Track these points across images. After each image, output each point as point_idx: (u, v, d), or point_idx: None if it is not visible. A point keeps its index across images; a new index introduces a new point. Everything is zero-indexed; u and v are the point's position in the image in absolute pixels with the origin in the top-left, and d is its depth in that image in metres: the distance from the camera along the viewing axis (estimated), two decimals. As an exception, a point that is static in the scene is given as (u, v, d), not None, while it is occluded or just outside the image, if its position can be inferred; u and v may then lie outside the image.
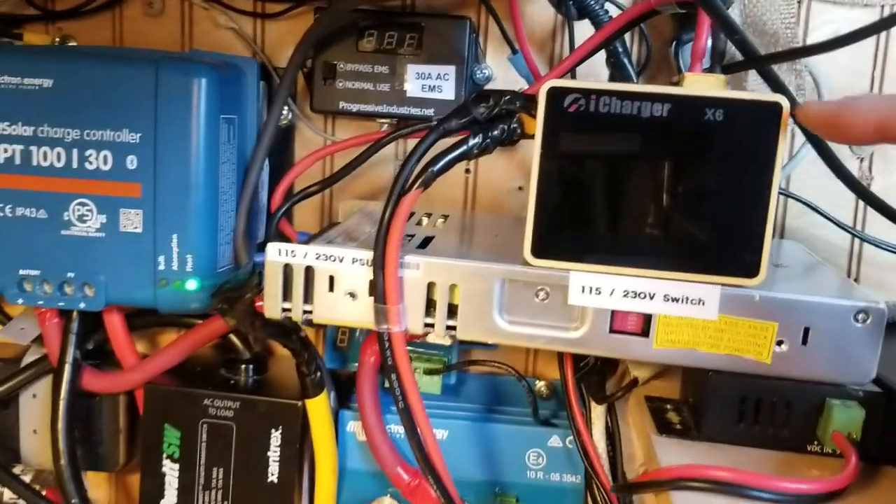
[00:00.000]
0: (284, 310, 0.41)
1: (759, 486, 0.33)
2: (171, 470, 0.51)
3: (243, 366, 0.54)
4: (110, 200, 0.49)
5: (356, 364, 0.52)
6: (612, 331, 0.39)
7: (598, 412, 0.52)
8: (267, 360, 0.57)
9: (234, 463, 0.51)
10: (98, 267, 0.50)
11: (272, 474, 0.51)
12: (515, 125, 0.39)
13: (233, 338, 0.55)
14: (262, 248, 0.52)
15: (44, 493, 0.56)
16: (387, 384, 0.50)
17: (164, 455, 0.51)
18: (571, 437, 0.52)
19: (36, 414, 0.56)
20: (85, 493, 0.53)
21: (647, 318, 0.39)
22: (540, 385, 0.57)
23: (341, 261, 0.40)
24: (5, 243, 0.50)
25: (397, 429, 0.52)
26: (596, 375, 0.50)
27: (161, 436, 0.51)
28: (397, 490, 0.52)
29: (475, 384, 0.57)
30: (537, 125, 0.38)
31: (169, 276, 0.49)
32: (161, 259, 0.49)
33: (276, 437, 0.50)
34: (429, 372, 0.53)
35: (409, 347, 0.50)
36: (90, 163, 0.49)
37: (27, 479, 0.57)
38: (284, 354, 0.58)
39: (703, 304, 0.38)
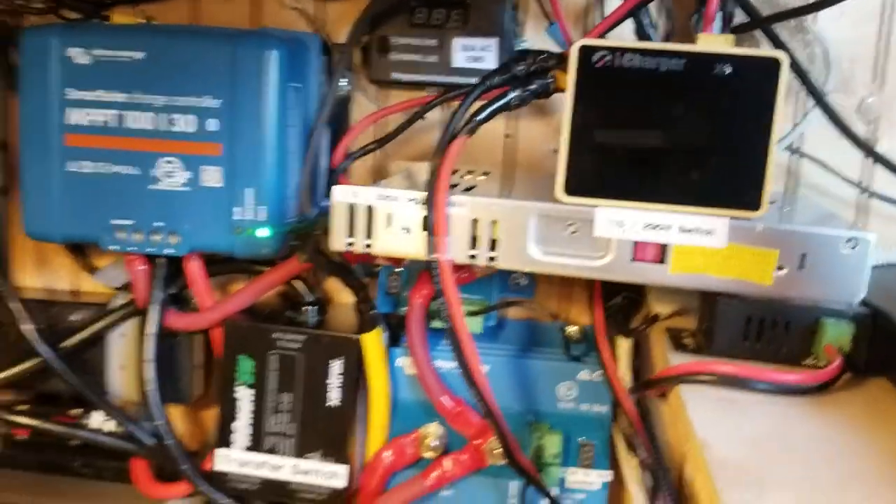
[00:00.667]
0: (348, 244, 0.48)
1: (757, 378, 0.39)
2: (245, 395, 0.58)
3: (306, 307, 0.61)
4: (193, 158, 0.56)
5: (405, 308, 0.59)
6: (633, 259, 0.45)
7: (623, 349, 0.57)
8: (326, 304, 0.63)
9: (299, 389, 0.57)
10: (182, 217, 0.57)
11: (332, 399, 0.57)
12: (550, 80, 0.45)
13: (296, 283, 0.61)
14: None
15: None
16: (432, 324, 0.56)
17: (239, 382, 0.58)
18: (600, 371, 0.58)
19: (122, 352, 0.63)
20: (167, 418, 0.60)
21: (663, 248, 0.44)
22: (571, 330, 0.62)
23: (398, 200, 0.46)
24: (101, 196, 0.57)
25: (441, 364, 0.59)
26: (622, 313, 0.55)
27: (236, 366, 0.58)
28: (442, 417, 0.58)
29: (513, 328, 0.63)
30: (569, 79, 0.44)
31: (244, 224, 0.56)
32: (237, 210, 0.56)
33: (336, 366, 0.57)
34: (471, 313, 0.59)
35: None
36: (176, 125, 0.56)
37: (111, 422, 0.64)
38: (339, 302, 0.64)
39: (713, 234, 0.43)
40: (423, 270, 0.58)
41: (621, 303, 0.55)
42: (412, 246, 0.47)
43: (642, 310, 0.56)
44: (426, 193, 0.45)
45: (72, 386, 0.62)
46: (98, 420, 0.63)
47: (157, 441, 0.61)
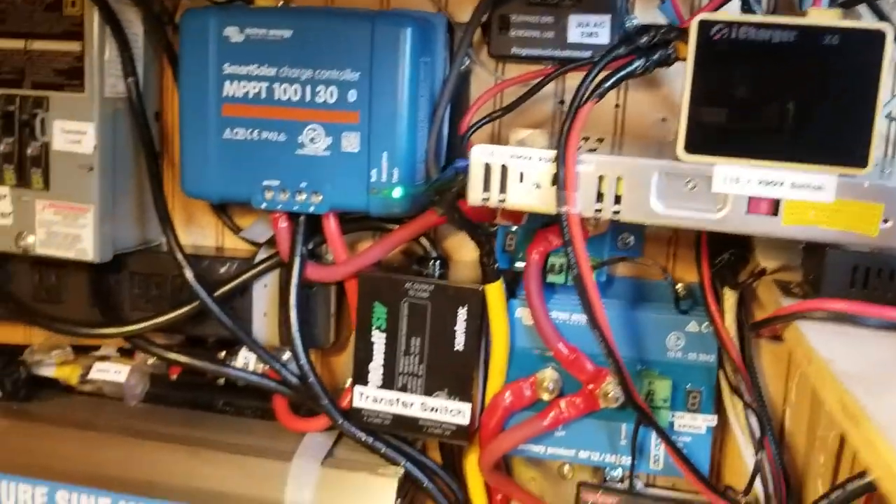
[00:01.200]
0: (484, 198, 0.53)
1: (870, 314, 0.43)
2: (378, 339, 0.64)
3: (432, 262, 0.67)
4: (335, 126, 0.62)
5: (521, 264, 0.64)
6: (748, 213, 0.49)
7: (730, 302, 0.62)
8: (448, 261, 0.69)
9: (428, 334, 0.63)
10: (324, 179, 0.63)
11: (458, 343, 0.63)
12: (671, 51, 0.50)
13: (423, 240, 0.67)
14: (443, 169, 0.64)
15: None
16: (548, 278, 0.61)
17: (374, 327, 0.64)
18: (707, 323, 0.62)
19: (266, 300, 0.70)
20: (309, 358, 0.66)
21: (776, 202, 0.49)
22: (678, 287, 0.67)
23: (530, 159, 0.52)
24: (253, 160, 0.64)
25: (556, 315, 0.64)
26: (729, 269, 0.60)
27: (371, 312, 0.64)
28: (557, 363, 0.64)
29: (621, 285, 0.68)
30: (689, 49, 0.48)
31: (379, 185, 0.62)
32: (373, 172, 0.62)
33: (462, 314, 0.63)
34: (585, 268, 0.64)
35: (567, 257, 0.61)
36: (319, 96, 0.62)
37: (252, 360, 0.71)
38: (458, 261, 0.70)
39: (823, 189, 0.47)
40: (540, 229, 0.63)
41: (728, 259, 0.59)
42: (542, 201, 0.52)
43: (748, 266, 0.60)
44: (557, 152, 0.50)
45: (223, 329, 0.70)
46: (242, 362, 0.71)
47: (299, 380, 0.68)
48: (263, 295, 0.70)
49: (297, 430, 0.70)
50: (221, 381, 0.74)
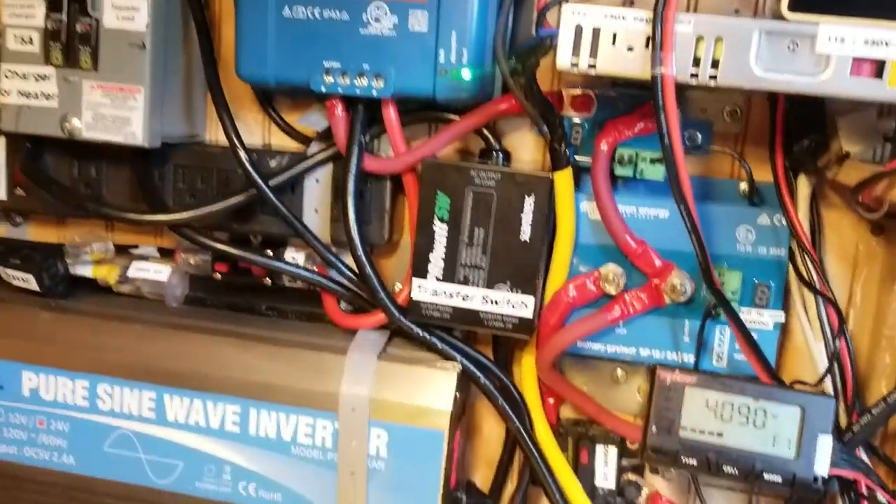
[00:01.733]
0: (573, 63, 0.51)
1: None
2: (440, 229, 0.62)
3: (495, 154, 0.64)
4: (401, 4, 0.60)
5: (587, 157, 0.62)
6: (851, 75, 0.47)
7: (803, 194, 0.60)
8: (510, 154, 0.67)
9: (493, 224, 0.61)
10: (388, 61, 0.61)
11: (524, 234, 0.61)
12: None
13: (485, 132, 0.65)
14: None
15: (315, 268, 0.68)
16: (616, 171, 0.60)
17: (436, 217, 0.62)
18: (779, 216, 0.61)
19: (317, 196, 0.68)
20: (364, 248, 0.64)
21: (881, 64, 0.47)
22: (746, 184, 0.65)
23: (624, 19, 0.50)
24: (313, 41, 0.61)
25: (623, 208, 0.62)
26: (809, 154, 0.58)
27: (434, 201, 0.62)
28: (622, 259, 0.62)
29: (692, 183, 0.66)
30: None
31: (447, 66, 0.60)
32: (441, 52, 0.60)
33: (529, 203, 0.61)
34: (654, 161, 0.62)
35: (636, 149, 0.60)
36: (386, -29, 0.60)
37: (300, 258, 0.69)
38: (518, 160, 0.68)
39: (933, 48, 0.46)
40: (609, 120, 0.62)
41: (808, 145, 0.58)
42: (634, 65, 0.50)
43: (827, 154, 0.59)
44: (654, 10, 0.48)
45: (271, 226, 0.67)
46: (289, 260, 0.68)
47: (355, 274, 0.65)
48: (315, 190, 0.68)
49: (349, 327, 0.67)
50: (267, 281, 0.71)
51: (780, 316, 0.62)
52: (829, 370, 0.58)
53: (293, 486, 0.64)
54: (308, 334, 0.68)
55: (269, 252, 0.69)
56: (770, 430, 0.53)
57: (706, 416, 0.54)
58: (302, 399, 0.63)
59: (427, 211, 0.62)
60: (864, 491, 0.57)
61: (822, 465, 0.52)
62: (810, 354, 0.61)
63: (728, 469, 0.53)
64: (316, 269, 0.69)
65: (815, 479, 0.52)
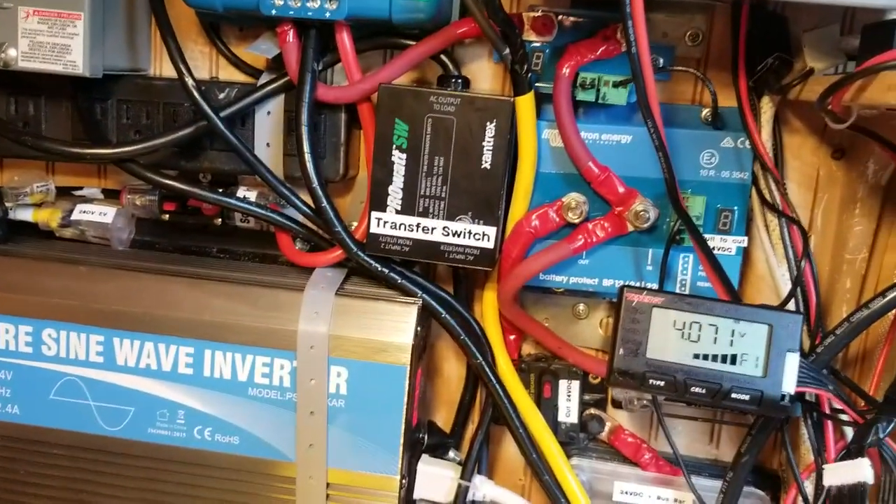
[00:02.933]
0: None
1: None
2: (398, 159, 0.59)
3: (454, 81, 0.62)
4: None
5: (548, 84, 0.60)
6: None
7: (767, 116, 0.59)
8: (469, 82, 0.64)
9: (453, 152, 0.59)
10: (342, -19, 0.57)
11: (485, 161, 0.59)
12: None
13: (443, 58, 0.62)
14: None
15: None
16: (578, 95, 0.57)
17: (394, 146, 0.59)
18: (742, 139, 0.59)
19: (269, 129, 0.64)
20: (322, 182, 0.61)
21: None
22: (707, 110, 0.63)
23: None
24: (261, -38, 0.57)
25: (585, 135, 0.60)
26: (773, 73, 0.56)
27: (392, 129, 0.59)
28: (584, 187, 0.60)
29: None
30: None
31: (407, -13, 0.57)
32: (397, -28, 0.57)
33: (490, 129, 0.58)
34: (616, 84, 0.60)
35: (598, 73, 0.58)
36: None
37: (252, 196, 0.66)
38: (475, 89, 0.65)
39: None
40: (570, 44, 0.59)
41: (772, 64, 0.56)
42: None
43: (793, 71, 0.57)
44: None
45: (221, 162, 0.64)
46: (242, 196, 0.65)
47: (311, 209, 0.62)
48: (266, 123, 0.64)
49: (305, 265, 0.64)
50: (218, 221, 0.68)
51: (743, 241, 0.61)
52: (793, 293, 0.57)
53: (250, 429, 0.61)
54: (263, 273, 0.65)
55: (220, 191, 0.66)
56: (738, 349, 0.52)
57: (673, 336, 0.52)
58: (258, 338, 0.60)
59: (385, 139, 0.59)
60: (828, 410, 0.56)
61: (790, 382, 0.51)
62: (773, 278, 0.60)
63: (696, 389, 0.51)
64: (269, 207, 0.65)
65: (783, 396, 0.51)
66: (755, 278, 0.65)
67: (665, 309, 0.52)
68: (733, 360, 0.52)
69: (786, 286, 0.59)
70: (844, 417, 0.57)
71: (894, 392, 0.51)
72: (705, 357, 0.52)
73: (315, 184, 0.60)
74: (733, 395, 0.51)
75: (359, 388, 0.60)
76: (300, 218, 0.64)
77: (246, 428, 0.61)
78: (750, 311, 0.52)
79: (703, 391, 0.51)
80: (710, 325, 0.52)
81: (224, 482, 0.62)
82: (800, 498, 0.61)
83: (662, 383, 0.52)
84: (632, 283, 0.58)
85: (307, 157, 0.60)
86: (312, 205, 0.62)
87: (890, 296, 0.55)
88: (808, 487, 0.61)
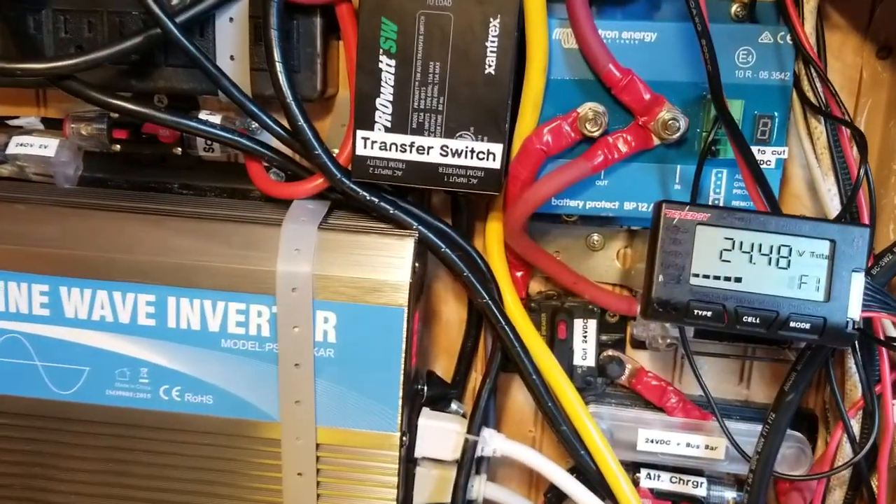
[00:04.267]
0: None
1: None
2: (387, 66, 0.50)
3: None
4: None
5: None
6: None
7: (810, 7, 0.50)
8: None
9: (451, 55, 0.49)
10: None
11: (489, 65, 0.49)
12: None
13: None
14: None
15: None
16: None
17: (381, 51, 0.50)
18: (783, 33, 0.51)
19: (233, 39, 0.54)
20: (297, 95, 0.51)
21: None
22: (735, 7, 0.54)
23: None
24: None
25: (603, 33, 0.51)
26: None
27: (378, 30, 0.49)
28: (604, 93, 0.51)
29: (676, 5, 0.54)
30: None
31: None
32: None
33: (494, 26, 0.49)
34: (636, -26, 0.51)
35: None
36: None
37: (215, 121, 0.56)
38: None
39: None
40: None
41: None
42: None
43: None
44: None
45: (179, 80, 0.54)
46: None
47: (285, 131, 0.53)
48: (229, 32, 0.54)
49: (281, 197, 0.55)
50: (178, 151, 0.58)
51: (783, 152, 0.52)
52: (847, 209, 0.49)
53: (226, 386, 0.52)
54: (233, 209, 0.55)
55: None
56: (796, 271, 0.43)
57: (722, 258, 0.44)
58: (230, 282, 0.51)
59: (370, 43, 0.50)
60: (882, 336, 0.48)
61: (855, 307, 0.43)
62: (818, 194, 0.52)
63: (749, 319, 0.43)
64: (237, 131, 0.56)
65: (848, 323, 0.43)
66: (789, 197, 0.57)
67: (711, 226, 0.44)
68: (791, 283, 0.44)
69: (833, 202, 0.51)
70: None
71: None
72: (759, 280, 0.43)
73: (289, 98, 0.51)
74: (792, 324, 0.43)
75: (350, 334, 0.51)
76: (274, 143, 0.55)
77: (220, 385, 0.52)
78: (810, 226, 0.43)
79: (757, 321, 0.43)
80: (764, 243, 0.43)
81: (198, 448, 0.54)
82: (846, 440, 0.54)
83: (710, 313, 0.43)
84: (671, 200, 0.49)
85: (279, 66, 0.50)
86: (287, 125, 0.52)
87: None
88: (855, 427, 0.54)
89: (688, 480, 0.59)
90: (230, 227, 0.52)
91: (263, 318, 0.51)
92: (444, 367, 0.63)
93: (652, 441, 0.57)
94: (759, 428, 0.54)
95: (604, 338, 0.59)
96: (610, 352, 0.59)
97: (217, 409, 0.53)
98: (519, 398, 0.62)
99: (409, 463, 0.55)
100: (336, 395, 0.52)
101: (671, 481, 0.59)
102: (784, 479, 0.55)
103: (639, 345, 0.60)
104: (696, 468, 0.59)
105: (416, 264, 0.52)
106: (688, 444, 0.57)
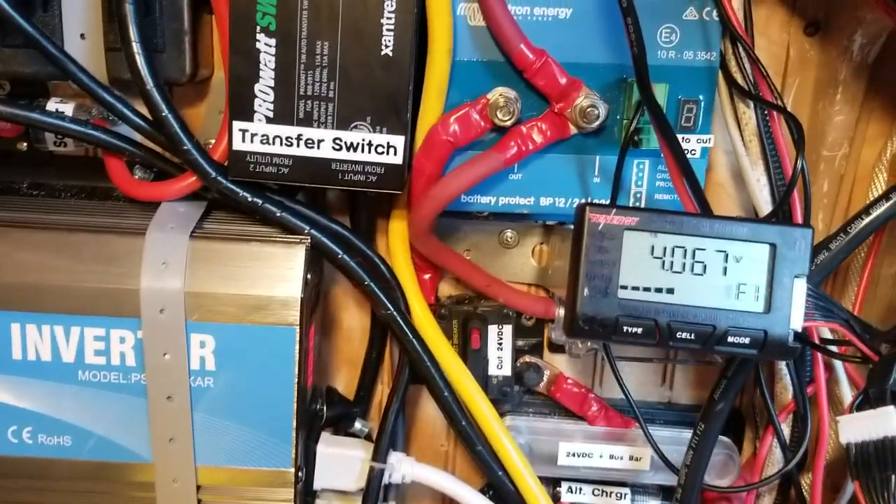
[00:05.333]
0: None
1: None
2: (266, 47, 0.42)
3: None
4: None
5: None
6: None
7: (738, -22, 0.45)
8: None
9: (341, 34, 0.42)
10: None
11: (385, 45, 0.42)
12: None
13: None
14: None
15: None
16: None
17: (258, 28, 0.42)
18: (709, 9, 0.45)
19: (82, 15, 0.45)
20: (163, 84, 0.43)
21: None
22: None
23: None
24: None
25: (513, 8, 0.45)
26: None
27: (254, 4, 0.42)
28: (509, 80, 0.45)
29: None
30: None
31: None
32: None
33: (390, 0, 0.42)
34: (548, -59, 0.45)
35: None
36: None
37: (68, 109, 0.47)
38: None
39: None
40: None
41: None
42: None
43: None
44: None
45: (20, 63, 0.45)
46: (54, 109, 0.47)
47: (148, 123, 0.45)
48: (78, 6, 0.45)
49: (147, 199, 0.47)
50: (23, 146, 0.49)
51: (709, 140, 0.48)
52: (781, 206, 0.44)
53: (87, 425, 0.44)
54: (89, 214, 0.47)
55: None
56: (733, 279, 0.39)
57: (652, 266, 0.38)
58: (85, 303, 0.43)
59: (244, 19, 0.42)
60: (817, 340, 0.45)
61: (798, 316, 0.39)
62: (748, 185, 0.47)
63: (683, 335, 0.38)
64: (92, 123, 0.47)
65: (790, 335, 0.39)
66: (713, 186, 0.52)
67: (640, 231, 0.38)
68: (728, 292, 0.39)
69: (763, 193, 0.47)
70: (833, 349, 0.46)
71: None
72: (693, 291, 0.38)
73: (150, 85, 0.42)
74: (730, 339, 0.38)
75: (231, 360, 0.44)
76: (137, 137, 0.46)
77: (79, 424, 0.44)
78: (747, 228, 0.39)
79: (693, 336, 0.38)
80: (698, 248, 0.38)
81: (57, 496, 0.46)
82: (777, 445, 0.50)
83: (641, 330, 0.38)
84: (594, 201, 0.43)
85: (135, 46, 0.42)
86: (150, 116, 0.44)
87: (895, 198, 0.43)
88: (786, 431, 0.50)
89: (611, 492, 0.55)
90: (83, 237, 0.44)
91: (127, 344, 0.43)
92: (346, 380, 0.56)
93: (573, 455, 0.53)
94: (684, 433, 0.50)
95: (520, 343, 0.54)
96: (527, 358, 0.54)
97: (77, 451, 0.45)
98: (430, 410, 0.56)
99: (307, 497, 0.49)
100: (218, 429, 0.44)
101: (594, 494, 0.55)
102: (715, 492, 0.51)
103: (557, 349, 0.55)
104: (621, 480, 0.54)
105: (309, 275, 0.45)
106: (611, 456, 0.53)
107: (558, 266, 0.53)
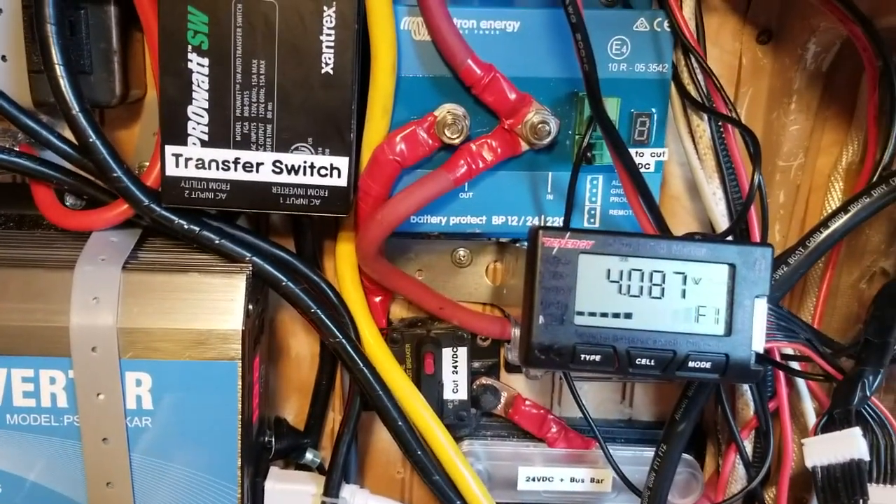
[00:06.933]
0: None
1: None
2: (198, 67, 0.40)
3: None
4: None
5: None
6: None
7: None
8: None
9: (278, 52, 0.40)
10: None
11: (326, 63, 0.40)
12: None
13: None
14: None
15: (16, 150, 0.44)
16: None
17: (190, 47, 0.40)
18: (660, 19, 0.44)
19: (3, 35, 0.42)
20: (89, 110, 0.40)
21: None
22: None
23: None
24: None
25: (459, 22, 0.43)
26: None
27: (184, 22, 0.39)
28: (457, 97, 0.43)
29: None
30: None
31: None
32: None
33: (329, 16, 0.40)
34: (494, -48, 0.43)
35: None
36: None
37: (-9, 134, 0.44)
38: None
39: None
40: None
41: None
42: None
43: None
44: None
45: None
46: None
47: (73, 148, 0.42)
48: (-3, 26, 0.43)
49: (76, 229, 0.44)
50: (-60, 175, 0.46)
51: (662, 154, 0.46)
52: (738, 224, 0.43)
53: (16, 471, 0.41)
54: (14, 246, 0.44)
55: (-63, 130, 0.44)
56: (692, 301, 0.37)
57: (608, 292, 0.37)
58: (11, 342, 0.40)
59: (175, 38, 0.39)
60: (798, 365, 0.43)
61: (759, 338, 0.37)
62: (703, 199, 0.46)
63: (643, 361, 0.37)
64: (18, 150, 0.44)
65: (752, 357, 0.37)
66: (668, 199, 0.51)
67: (596, 255, 0.37)
68: (687, 316, 0.37)
69: (719, 207, 0.46)
70: (795, 365, 0.45)
71: (876, 334, 0.39)
72: (652, 316, 0.37)
73: (75, 110, 0.40)
74: (690, 364, 0.37)
75: (170, 398, 0.41)
76: (66, 164, 0.44)
77: (8, 470, 0.42)
78: (706, 249, 0.37)
79: (652, 363, 0.37)
80: (656, 270, 0.37)
81: (-13, 549, 0.43)
82: (740, 462, 0.49)
83: (599, 357, 0.37)
84: (547, 224, 0.42)
85: (59, 70, 0.39)
86: (77, 142, 0.41)
87: (853, 210, 0.42)
88: (748, 448, 0.49)
89: (573, 514, 0.53)
90: (9, 273, 0.41)
91: (58, 385, 0.41)
92: (296, 409, 0.54)
93: (533, 479, 0.51)
94: (646, 452, 0.49)
95: (476, 364, 0.52)
96: (483, 380, 0.52)
97: (9, 500, 0.42)
98: (384, 437, 0.54)
99: (256, 536, 0.46)
100: (158, 471, 0.42)
101: (555, 517, 0.53)
102: (679, 512, 0.50)
103: (514, 369, 0.53)
104: (583, 502, 0.52)
105: (251, 305, 0.42)
106: (572, 479, 0.51)
107: (513, 284, 0.51)
